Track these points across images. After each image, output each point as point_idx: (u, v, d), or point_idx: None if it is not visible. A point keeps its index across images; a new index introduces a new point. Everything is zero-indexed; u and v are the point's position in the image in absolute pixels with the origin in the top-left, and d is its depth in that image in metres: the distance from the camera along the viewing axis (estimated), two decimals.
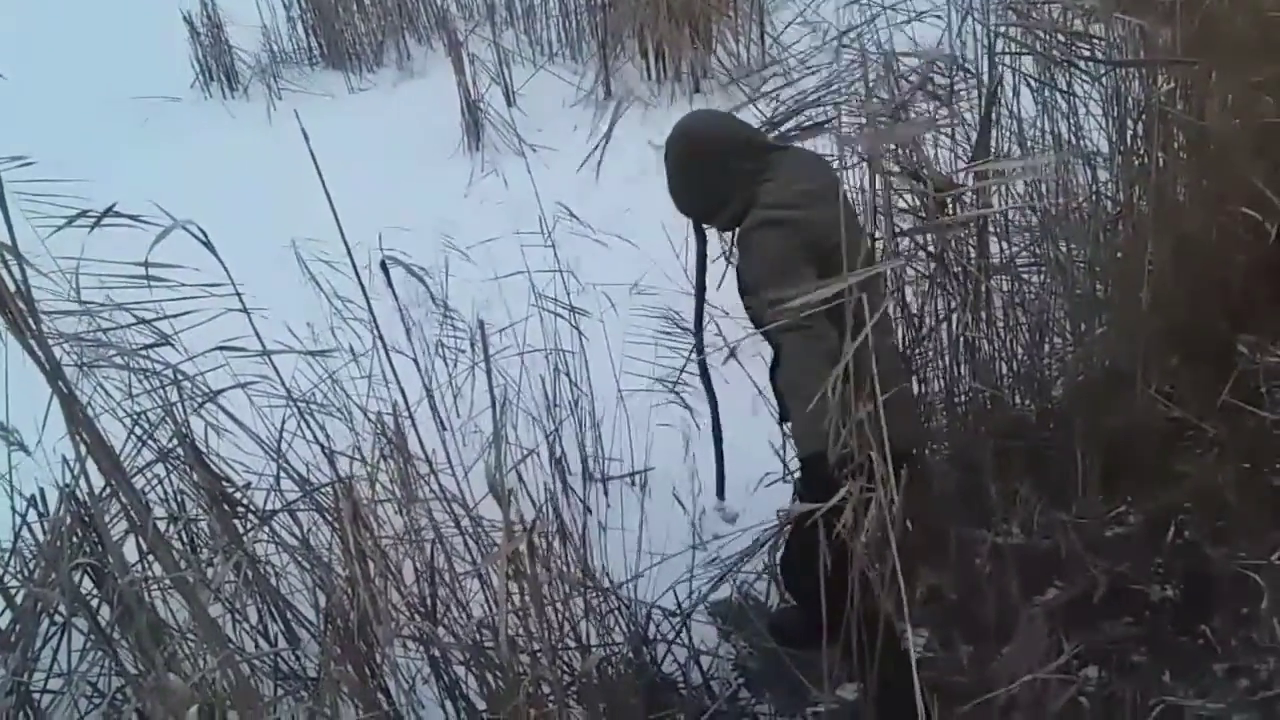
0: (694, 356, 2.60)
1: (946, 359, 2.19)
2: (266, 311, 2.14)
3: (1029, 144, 2.55)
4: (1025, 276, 2.47)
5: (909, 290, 2.16)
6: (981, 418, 2.16)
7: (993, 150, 2.23)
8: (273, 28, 6.29)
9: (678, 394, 2.93)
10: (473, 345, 3.27)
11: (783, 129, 2.42)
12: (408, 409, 2.77)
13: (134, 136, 5.42)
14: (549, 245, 3.05)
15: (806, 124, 2.41)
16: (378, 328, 2.30)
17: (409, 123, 5.30)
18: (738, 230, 2.09)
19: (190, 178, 4.36)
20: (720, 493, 2.75)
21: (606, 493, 2.84)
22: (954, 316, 2.08)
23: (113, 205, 1.70)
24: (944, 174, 2.18)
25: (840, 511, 1.64)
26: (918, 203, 2.15)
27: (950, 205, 2.14)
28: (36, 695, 2.19)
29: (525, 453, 2.30)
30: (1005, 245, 2.51)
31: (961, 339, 2.16)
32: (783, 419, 2.33)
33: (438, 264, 3.35)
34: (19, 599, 2.31)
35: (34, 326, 1.34)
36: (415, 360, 2.74)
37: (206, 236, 1.69)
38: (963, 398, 2.22)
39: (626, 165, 4.23)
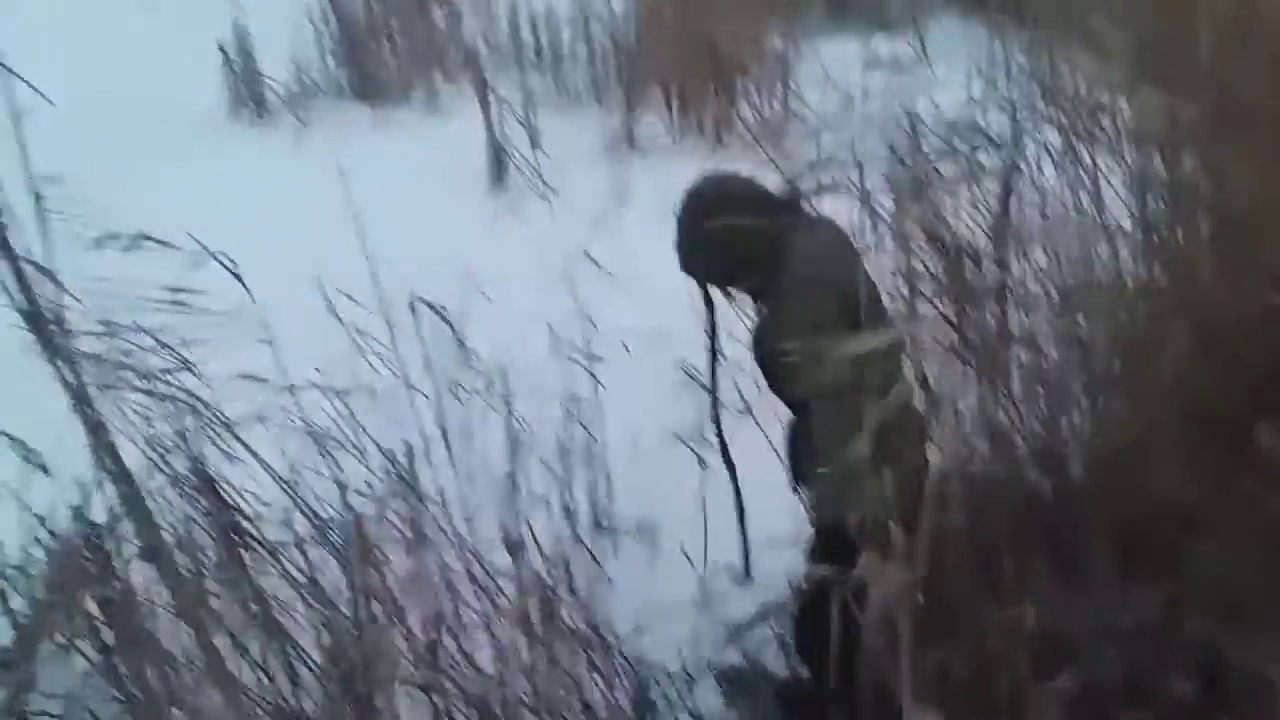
0: (710, 418, 2.60)
1: (963, 429, 2.18)
2: (284, 341, 2.15)
3: (1050, 215, 2.56)
4: (1044, 349, 2.47)
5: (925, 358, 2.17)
6: (997, 492, 2.14)
7: (1013, 220, 2.25)
8: (303, 59, 6.38)
9: (691, 449, 2.92)
10: (488, 387, 3.27)
11: (803, 188, 2.44)
12: (424, 446, 2.77)
13: (163, 159, 5.47)
14: (567, 289, 3.07)
15: (828, 184, 2.43)
16: (399, 364, 2.31)
17: (433, 159, 5.35)
18: (763, 290, 2.10)
19: (217, 202, 4.39)
20: (746, 569, 2.74)
21: (616, 545, 2.82)
22: (971, 386, 2.08)
23: (144, 233, 1.71)
24: (964, 241, 2.20)
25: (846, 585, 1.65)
26: (939, 269, 2.16)
27: (969, 273, 2.16)
28: (34, 717, 2.17)
29: (538, 501, 2.28)
30: (1024, 316, 2.51)
31: (978, 410, 2.16)
32: (796, 481, 2.32)
33: (457, 302, 3.37)
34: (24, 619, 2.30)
35: (64, 347, 1.35)
36: (430, 399, 2.74)
37: (237, 268, 1.70)
38: (978, 470, 2.21)
39: (647, 212, 4.27)
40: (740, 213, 2.11)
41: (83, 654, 2.09)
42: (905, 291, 2.09)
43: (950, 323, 2.18)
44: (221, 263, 1.68)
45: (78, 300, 2.00)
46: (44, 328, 1.33)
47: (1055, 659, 1.90)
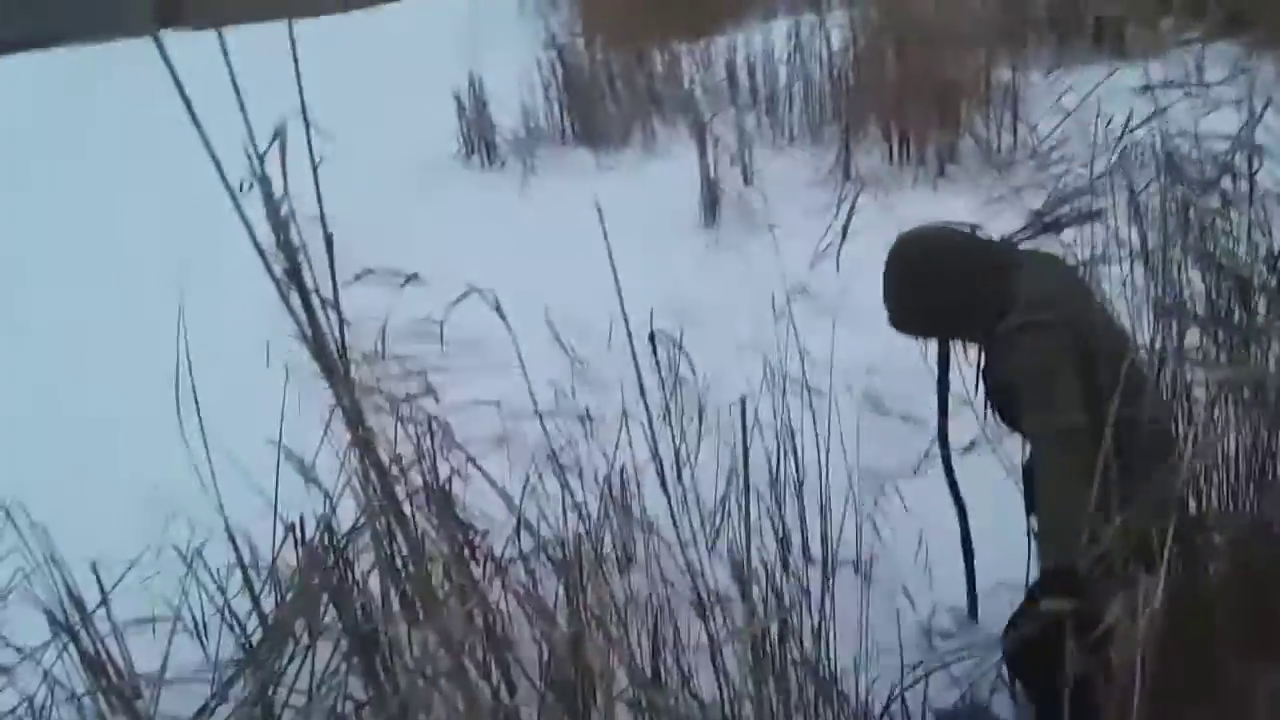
0: (936, 453, 2.51)
1: (1233, 475, 1.98)
2: (515, 371, 2.25)
3: None
4: None
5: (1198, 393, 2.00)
6: (1268, 539, 1.93)
7: None
8: (530, 107, 6.73)
9: (911, 482, 2.82)
10: (700, 416, 3.30)
11: (1049, 219, 2.33)
12: (635, 473, 2.82)
13: (404, 203, 5.91)
14: (783, 322, 3.04)
15: (1076, 214, 2.30)
16: (619, 393, 2.36)
17: (650, 199, 5.49)
18: (993, 334, 2.02)
19: (453, 243, 4.69)
20: (973, 612, 2.61)
21: (832, 580, 2.75)
22: (1246, 429, 1.89)
23: (415, 274, 1.84)
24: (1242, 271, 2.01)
25: (1081, 626, 1.54)
26: (1212, 302, 1.99)
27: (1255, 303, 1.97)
28: (278, 712, 2.35)
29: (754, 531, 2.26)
30: None
31: (1254, 456, 1.96)
32: (1029, 511, 2.21)
33: (673, 334, 3.42)
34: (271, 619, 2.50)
35: (343, 372, 1.46)
36: (646, 428, 2.79)
37: (499, 304, 1.80)
38: (1248, 520, 2.00)
39: (863, 247, 4.20)
40: (951, 265, 2.06)
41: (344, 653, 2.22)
42: (1172, 327, 1.93)
43: (1224, 359, 2.00)
44: (485, 297, 1.78)
45: (350, 331, 2.19)
46: (326, 355, 1.45)
47: None
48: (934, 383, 2.48)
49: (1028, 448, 2.15)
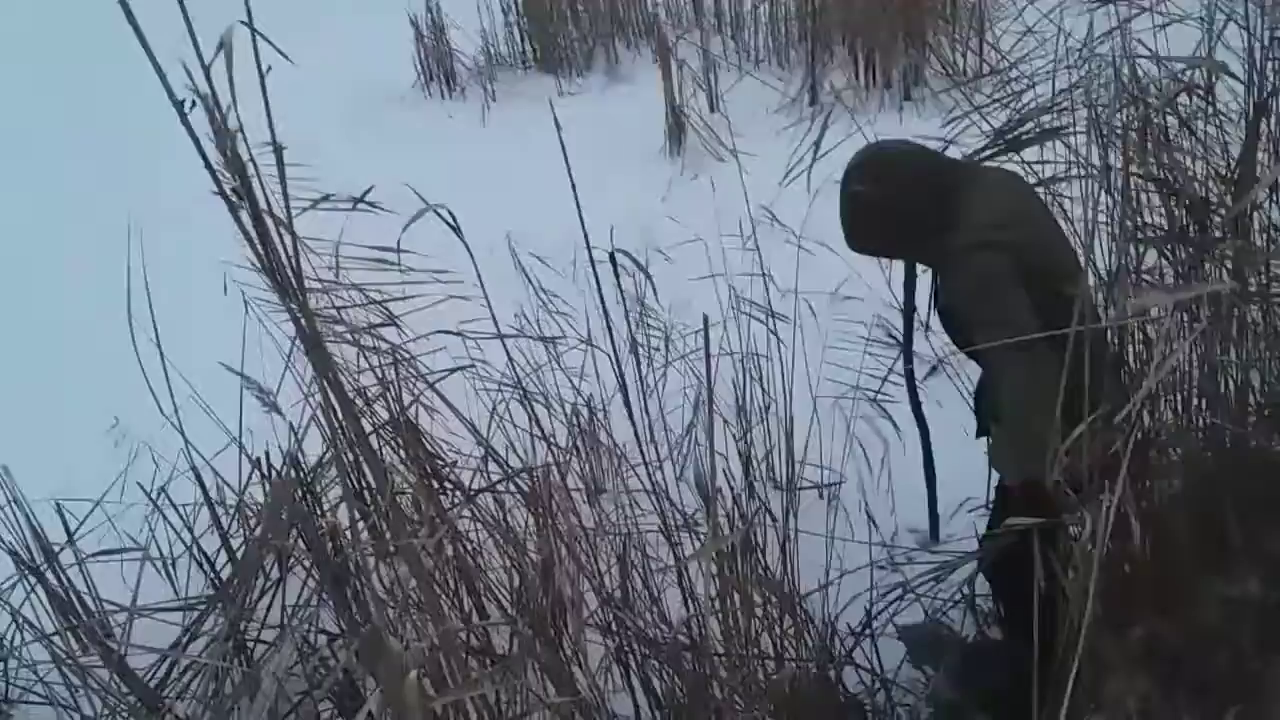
0: (901, 372, 2.53)
1: (1185, 389, 2.01)
2: (477, 299, 2.22)
3: None
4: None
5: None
6: (1222, 457, 1.97)
7: (1257, 165, 2.03)
8: (490, 32, 6.56)
9: (878, 404, 2.85)
10: (667, 344, 3.29)
11: (1010, 137, 2.31)
12: (603, 403, 2.82)
13: (361, 130, 5.78)
14: (749, 249, 3.03)
15: (1036, 131, 2.28)
16: (583, 321, 2.36)
17: (614, 126, 5.41)
18: (944, 253, 2.01)
19: (410, 170, 4.60)
20: (934, 533, 2.66)
21: (795, 502, 2.79)
22: (1197, 343, 1.90)
23: (370, 188, 1.79)
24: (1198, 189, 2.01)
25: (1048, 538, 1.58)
26: (1164, 218, 2.00)
27: (1205, 223, 1.98)
28: (251, 644, 2.36)
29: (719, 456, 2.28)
30: (1264, 271, 2.29)
31: (1205, 368, 1.98)
32: (980, 434, 2.24)
33: (639, 262, 3.40)
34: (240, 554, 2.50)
35: (301, 298, 1.43)
36: (612, 356, 2.78)
37: (456, 222, 1.77)
38: (1200, 433, 2.04)
39: (830, 171, 4.17)
40: (915, 176, 2.00)
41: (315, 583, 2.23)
42: (1128, 246, 1.93)
43: (1179, 273, 2.01)
44: (442, 217, 1.73)
45: (314, 253, 2.14)
46: (282, 278, 1.42)
47: None
48: (900, 305, 2.48)
49: (979, 373, 2.17)
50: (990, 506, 2.22)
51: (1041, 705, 1.62)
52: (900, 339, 2.57)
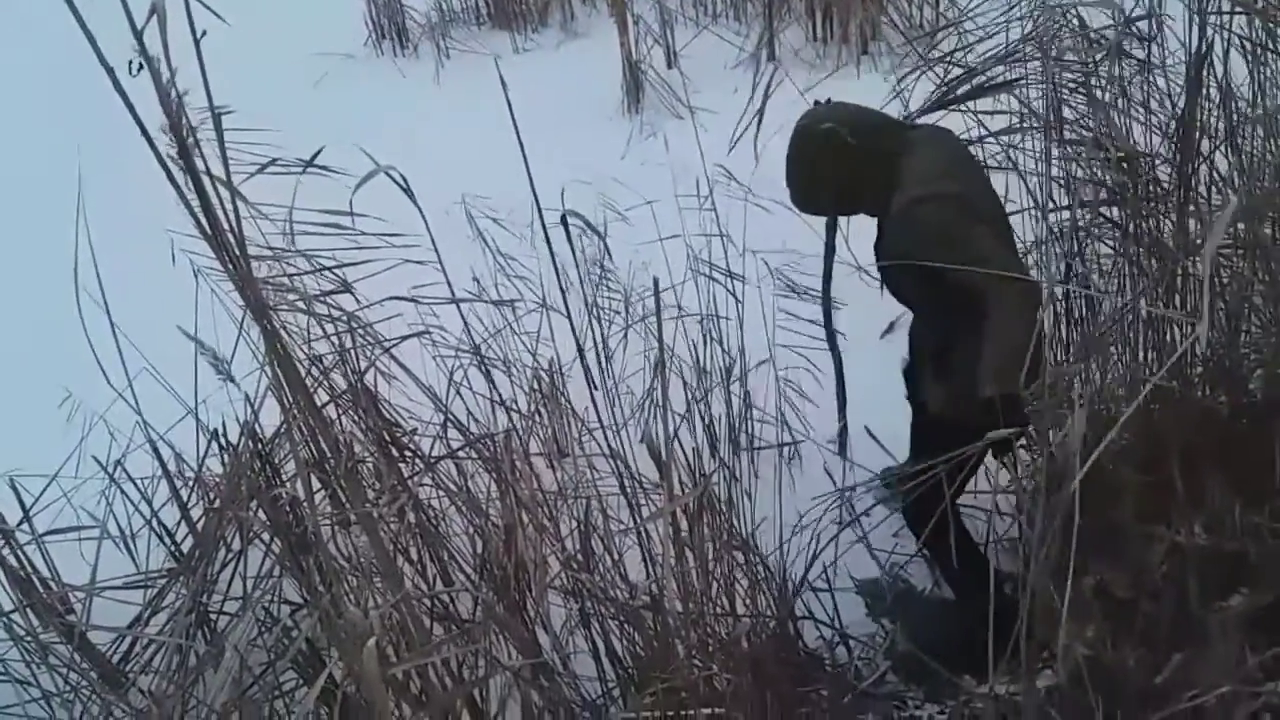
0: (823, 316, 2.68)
1: (1131, 344, 2.05)
2: (435, 264, 2.20)
3: (1237, 116, 2.34)
4: (1223, 260, 2.29)
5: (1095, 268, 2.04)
6: (1167, 408, 2.02)
7: (1199, 123, 2.06)
8: None
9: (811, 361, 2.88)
10: (627, 307, 3.29)
11: (960, 92, 2.33)
12: (561, 367, 2.82)
13: (311, 91, 5.65)
14: (707, 209, 3.02)
15: (985, 86, 2.30)
16: (541, 284, 2.34)
17: (571, 83, 5.34)
18: (887, 210, 2.06)
19: (362, 132, 4.52)
20: (843, 450, 2.83)
21: (755, 461, 2.82)
22: (1142, 298, 1.94)
23: (320, 149, 1.76)
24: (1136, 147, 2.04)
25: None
26: (1104, 175, 2.02)
27: (1144, 181, 2.00)
28: (214, 616, 2.35)
29: (679, 417, 2.29)
30: (1201, 225, 2.33)
31: (1149, 323, 2.02)
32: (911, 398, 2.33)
33: (596, 224, 3.38)
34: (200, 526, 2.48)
35: (245, 266, 1.40)
36: (570, 319, 2.78)
37: (408, 184, 1.74)
38: (1146, 386, 2.08)
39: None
40: (848, 143, 2.10)
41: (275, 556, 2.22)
42: (1068, 201, 1.96)
43: (1121, 230, 2.04)
44: (393, 178, 1.71)
45: (262, 217, 2.09)
46: (226, 246, 1.39)
47: (1227, 581, 1.81)
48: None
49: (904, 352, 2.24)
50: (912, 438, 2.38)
51: (997, 656, 1.66)
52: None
